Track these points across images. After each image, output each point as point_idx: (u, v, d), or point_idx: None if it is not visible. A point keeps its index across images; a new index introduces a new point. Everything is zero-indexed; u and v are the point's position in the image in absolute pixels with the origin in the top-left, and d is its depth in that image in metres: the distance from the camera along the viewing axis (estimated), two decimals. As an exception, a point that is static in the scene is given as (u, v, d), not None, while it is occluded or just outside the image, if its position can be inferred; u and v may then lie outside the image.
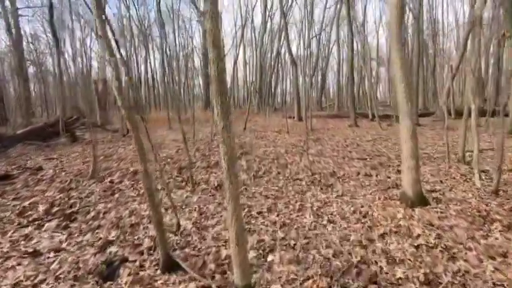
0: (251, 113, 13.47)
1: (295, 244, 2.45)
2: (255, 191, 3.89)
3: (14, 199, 3.69)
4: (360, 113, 14.50)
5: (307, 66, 17.07)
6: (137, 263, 2.22)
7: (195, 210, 3.26)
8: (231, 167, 1.65)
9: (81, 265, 2.21)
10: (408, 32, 18.99)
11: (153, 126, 10.01)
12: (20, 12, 13.72)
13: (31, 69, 21.59)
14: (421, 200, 3.19)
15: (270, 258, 2.26)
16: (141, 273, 2.11)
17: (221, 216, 3.06)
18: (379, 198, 3.47)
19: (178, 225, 2.77)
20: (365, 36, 19.99)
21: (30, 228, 2.87)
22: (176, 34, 22.70)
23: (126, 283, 2.00)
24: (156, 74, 25.49)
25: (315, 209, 3.23)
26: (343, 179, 4.34)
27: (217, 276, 2.05)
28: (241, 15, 23.22)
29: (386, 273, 2.04)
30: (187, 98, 20.22)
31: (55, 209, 3.34)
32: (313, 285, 1.91)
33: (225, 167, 1.65)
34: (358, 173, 4.59)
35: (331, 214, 3.08)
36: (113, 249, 2.45)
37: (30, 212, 3.25)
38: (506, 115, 7.42)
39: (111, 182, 4.29)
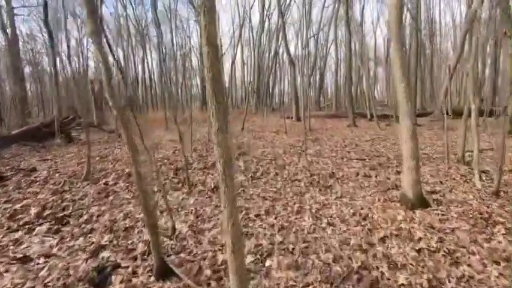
0: (249, 113, 13.40)
1: (293, 248, 2.38)
2: (252, 192, 3.81)
3: (5, 202, 3.58)
4: (358, 113, 14.47)
5: (305, 66, 17.00)
6: (130, 269, 2.13)
7: (191, 212, 3.18)
8: (226, 170, 1.57)
9: (71, 272, 2.12)
10: (406, 32, 19.00)
11: (150, 127, 9.91)
12: (15, 11, 13.51)
13: (27, 69, 21.42)
14: (421, 202, 3.13)
15: (268, 263, 2.19)
16: (134, 280, 2.02)
17: (218, 219, 2.98)
18: (379, 200, 3.41)
19: (174, 228, 2.68)
20: (363, 36, 19.98)
21: (20, 233, 2.78)
22: (173, 34, 22.62)
23: (118, 291, 1.92)
24: (154, 74, 25.39)
25: (313, 211, 3.16)
26: (342, 180, 4.28)
27: (213, 284, 1.97)
28: (239, 14, 23.11)
29: (388, 279, 1.97)
30: (185, 98, 20.10)
31: (47, 212, 3.24)
32: (313, 292, 1.84)
33: (221, 170, 1.57)
34: (357, 174, 4.53)
35: (331, 216, 3.01)
36: (105, 254, 2.36)
37: (21, 216, 3.15)
38: (506, 115, 7.38)
39: (106, 183, 4.20)
